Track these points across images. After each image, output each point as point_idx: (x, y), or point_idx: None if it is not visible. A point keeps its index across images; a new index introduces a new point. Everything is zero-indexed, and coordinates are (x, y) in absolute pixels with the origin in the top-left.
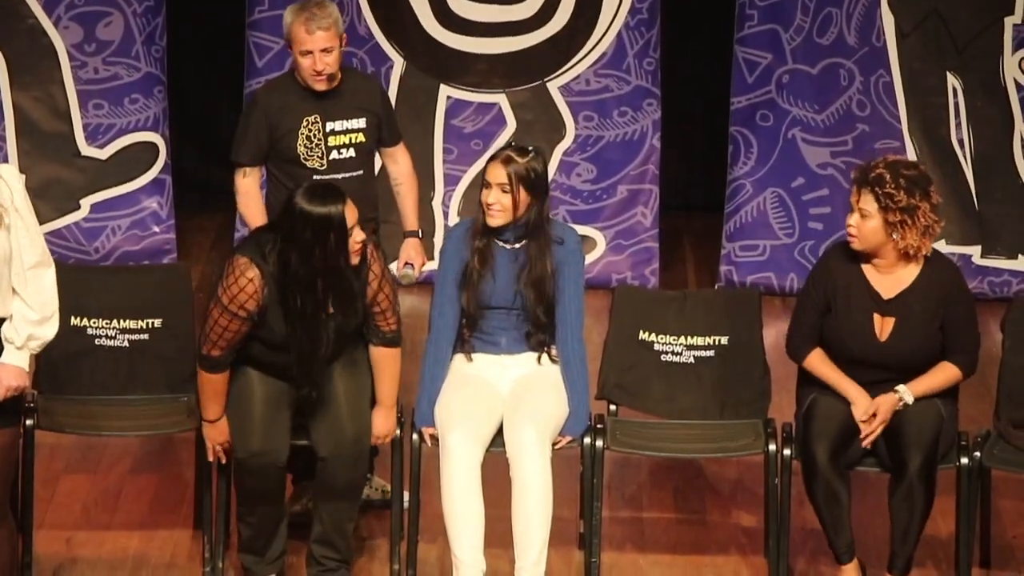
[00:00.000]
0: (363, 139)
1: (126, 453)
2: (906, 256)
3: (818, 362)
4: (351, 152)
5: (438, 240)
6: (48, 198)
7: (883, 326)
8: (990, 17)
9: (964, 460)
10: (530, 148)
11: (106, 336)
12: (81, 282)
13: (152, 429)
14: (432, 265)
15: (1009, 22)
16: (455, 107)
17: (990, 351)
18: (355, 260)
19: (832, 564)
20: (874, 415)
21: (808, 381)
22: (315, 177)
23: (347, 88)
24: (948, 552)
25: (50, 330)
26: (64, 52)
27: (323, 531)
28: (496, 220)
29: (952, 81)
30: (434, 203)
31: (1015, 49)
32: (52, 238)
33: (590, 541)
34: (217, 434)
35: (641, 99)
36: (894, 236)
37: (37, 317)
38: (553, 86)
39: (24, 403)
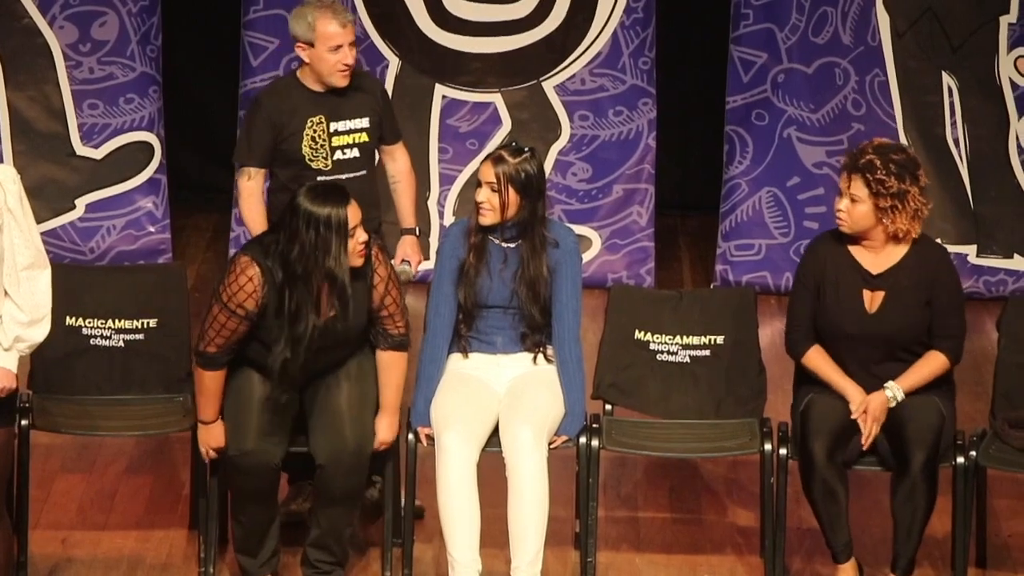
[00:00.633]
0: (367, 138)
1: (122, 453)
2: (895, 238)
3: (816, 358)
4: (355, 152)
5: (434, 240)
6: (43, 198)
7: (872, 300)
8: (985, 16)
9: (960, 459)
10: (525, 149)
11: (101, 336)
12: (76, 282)
13: (148, 429)
14: (428, 264)
15: (1004, 21)
16: (450, 107)
17: (986, 350)
18: (358, 262)
19: (828, 563)
20: (865, 412)
21: (804, 380)
22: (319, 178)
23: (350, 87)
24: (944, 551)
25: (40, 332)
26: (59, 52)
27: (320, 535)
28: (486, 219)
29: (947, 80)
30: (430, 202)
31: (1010, 48)
32: (47, 238)
33: (586, 540)
34: (210, 437)
35: (636, 98)
36: (884, 220)
37: (27, 319)
38: (548, 86)
39: (17, 403)
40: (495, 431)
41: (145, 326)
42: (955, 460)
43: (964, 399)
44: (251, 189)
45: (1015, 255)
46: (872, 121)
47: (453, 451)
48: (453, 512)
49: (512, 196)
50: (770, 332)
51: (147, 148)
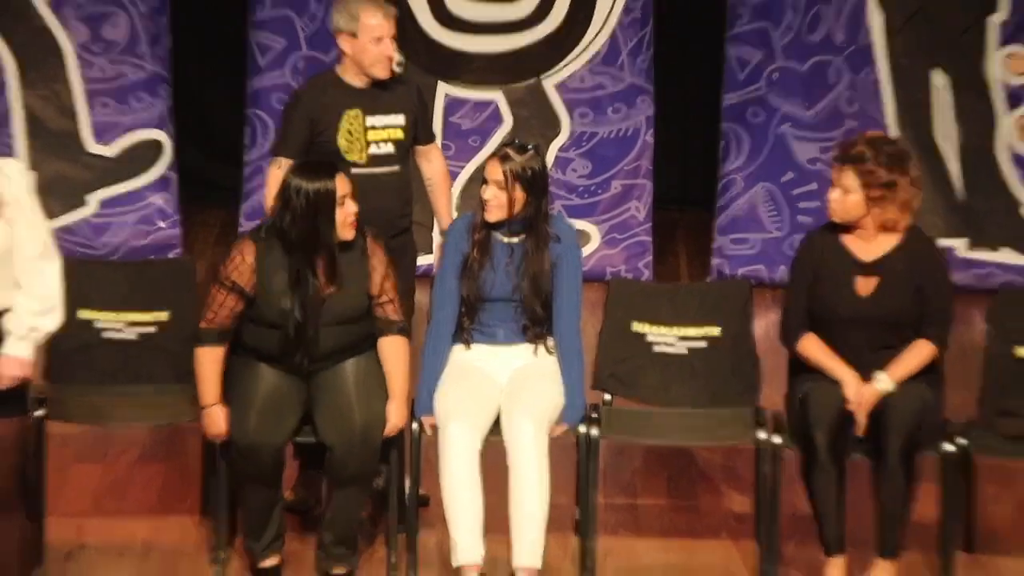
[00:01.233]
0: (401, 136)
1: (134, 443)
2: (885, 228)
3: (811, 345)
4: (390, 147)
5: (435, 234)
6: (56, 194)
7: (865, 285)
8: (974, 15)
9: (949, 447)
10: (530, 146)
11: (113, 329)
12: (89, 276)
13: (159, 419)
14: (427, 259)
15: (993, 20)
16: (453, 104)
17: (975, 341)
18: (348, 233)
19: (821, 550)
20: (859, 404)
21: (799, 370)
22: (354, 171)
23: (388, 84)
24: (932, 537)
25: (52, 322)
26: (71, 51)
27: (332, 518)
28: (492, 216)
29: (937, 78)
30: None
31: (999, 46)
32: (60, 233)
33: (586, 527)
34: (210, 422)
35: (634, 96)
36: (874, 210)
37: (38, 308)
38: (549, 83)
39: (30, 393)
40: (497, 420)
41: (156, 319)
42: (944, 448)
43: (953, 389)
44: (279, 177)
45: (1003, 248)
46: (864, 118)
47: (457, 440)
48: (457, 500)
49: (518, 193)
50: (765, 324)
51: (157, 146)
